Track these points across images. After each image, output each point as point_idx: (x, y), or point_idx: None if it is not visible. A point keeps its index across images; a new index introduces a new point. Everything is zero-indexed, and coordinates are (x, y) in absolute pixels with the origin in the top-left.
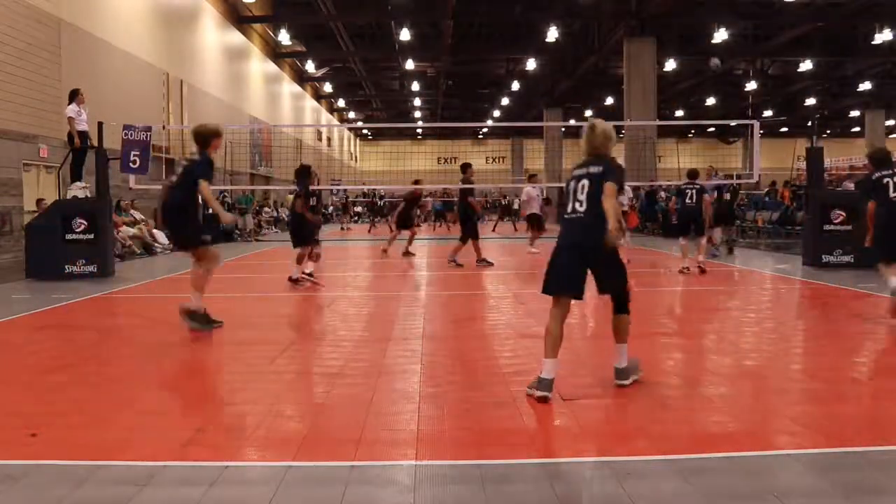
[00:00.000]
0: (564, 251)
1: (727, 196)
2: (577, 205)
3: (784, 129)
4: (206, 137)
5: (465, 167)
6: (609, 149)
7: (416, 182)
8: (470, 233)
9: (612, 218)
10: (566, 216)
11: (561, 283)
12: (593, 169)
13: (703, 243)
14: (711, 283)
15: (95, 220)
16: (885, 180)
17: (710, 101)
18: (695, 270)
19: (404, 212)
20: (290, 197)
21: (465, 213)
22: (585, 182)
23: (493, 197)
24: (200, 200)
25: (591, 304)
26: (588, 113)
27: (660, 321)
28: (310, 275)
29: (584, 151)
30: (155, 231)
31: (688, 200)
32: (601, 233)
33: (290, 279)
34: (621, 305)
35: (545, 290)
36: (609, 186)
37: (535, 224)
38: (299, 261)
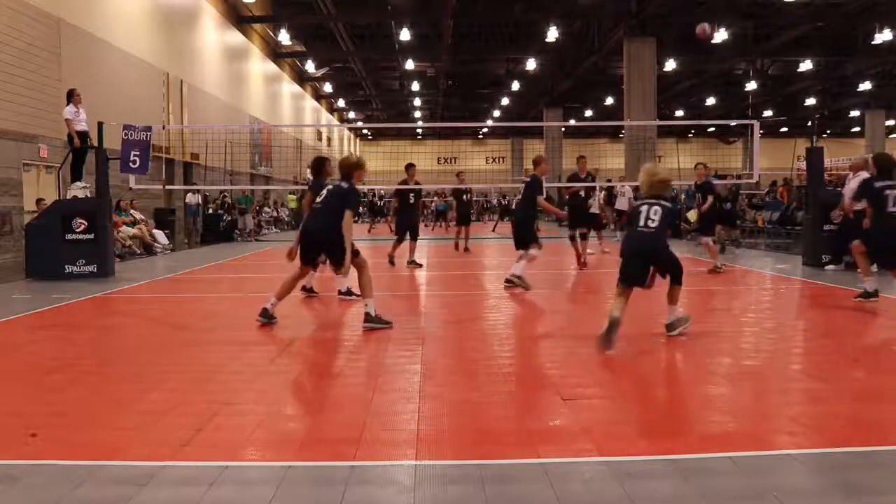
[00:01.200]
0: (634, 255)
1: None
2: (649, 222)
3: (784, 129)
4: (349, 168)
5: (408, 167)
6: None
7: (459, 175)
8: (400, 232)
9: None
10: (639, 228)
11: (630, 278)
12: (665, 203)
13: (710, 244)
14: (711, 283)
15: (95, 220)
16: (887, 192)
17: (710, 101)
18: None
19: (459, 208)
20: (292, 197)
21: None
22: (658, 209)
23: (491, 197)
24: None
25: (593, 307)
26: (588, 113)
27: (660, 321)
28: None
29: (646, 189)
30: (155, 231)
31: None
32: (663, 243)
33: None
34: (675, 280)
35: (621, 283)
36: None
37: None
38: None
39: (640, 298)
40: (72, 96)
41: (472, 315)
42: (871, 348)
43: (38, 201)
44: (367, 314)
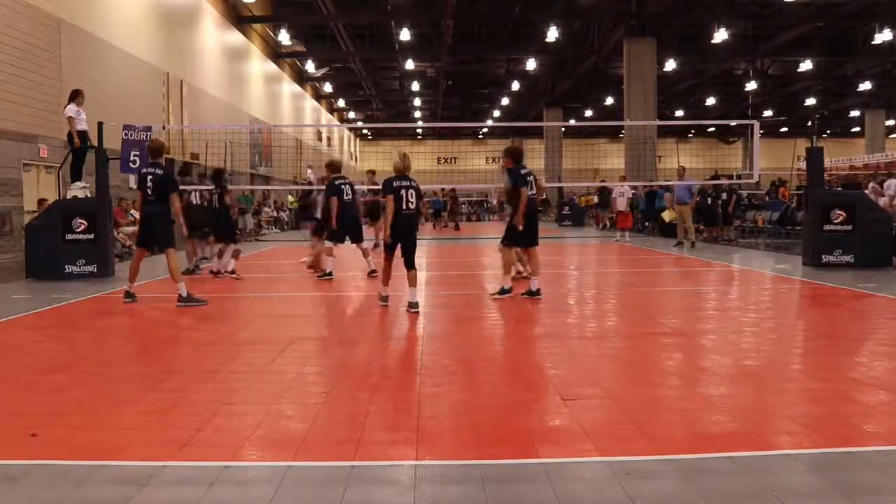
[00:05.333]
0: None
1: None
2: None
3: (784, 129)
4: (160, 150)
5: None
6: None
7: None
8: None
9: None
10: None
11: None
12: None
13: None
14: (712, 282)
15: (95, 220)
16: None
17: (710, 101)
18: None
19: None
20: (291, 197)
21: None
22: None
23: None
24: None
25: (593, 308)
26: (588, 113)
27: (660, 321)
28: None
29: None
30: None
31: None
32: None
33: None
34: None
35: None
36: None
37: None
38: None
39: (640, 299)
40: (76, 96)
41: (473, 315)
42: (871, 348)
43: (41, 201)
44: (179, 296)
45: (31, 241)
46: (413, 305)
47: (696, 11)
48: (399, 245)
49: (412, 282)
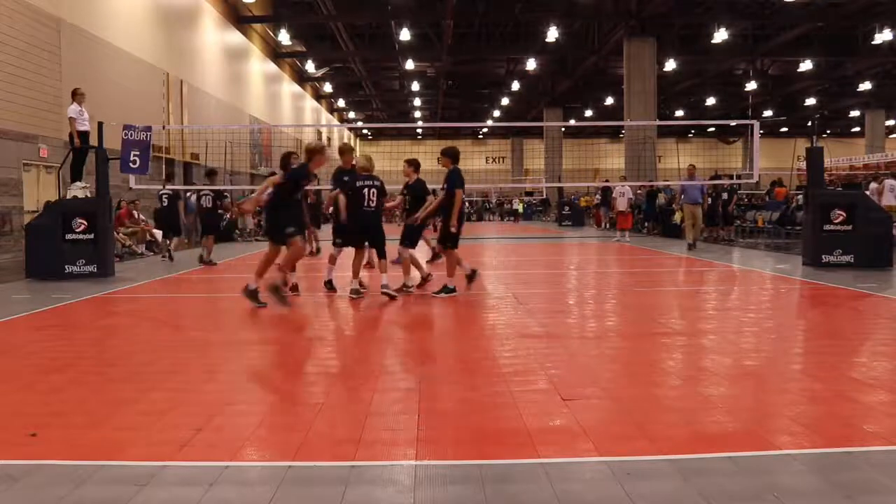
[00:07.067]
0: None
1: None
2: None
3: (784, 129)
4: (306, 155)
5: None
6: None
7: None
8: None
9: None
10: None
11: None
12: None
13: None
14: (712, 282)
15: (95, 220)
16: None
17: (710, 101)
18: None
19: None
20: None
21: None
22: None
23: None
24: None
25: (593, 308)
26: (588, 113)
27: (660, 321)
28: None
29: None
30: (155, 231)
31: None
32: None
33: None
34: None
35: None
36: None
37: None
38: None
39: (640, 299)
40: (75, 95)
41: (472, 315)
42: (871, 348)
43: (46, 204)
44: (273, 286)
45: (31, 241)
46: (385, 287)
47: (696, 11)
48: (363, 239)
49: (383, 269)
